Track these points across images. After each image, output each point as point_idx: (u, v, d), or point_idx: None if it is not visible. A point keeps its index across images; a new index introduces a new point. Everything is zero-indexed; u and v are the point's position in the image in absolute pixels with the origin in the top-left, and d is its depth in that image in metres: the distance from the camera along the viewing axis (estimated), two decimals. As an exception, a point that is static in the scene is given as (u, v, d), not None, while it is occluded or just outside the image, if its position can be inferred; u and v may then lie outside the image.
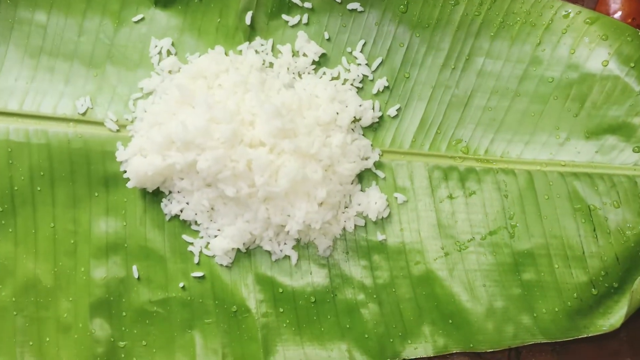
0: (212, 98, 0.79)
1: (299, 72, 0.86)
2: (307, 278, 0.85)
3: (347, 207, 0.84)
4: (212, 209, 0.83)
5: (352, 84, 0.86)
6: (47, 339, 0.82)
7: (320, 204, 0.81)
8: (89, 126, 0.85)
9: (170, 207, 0.84)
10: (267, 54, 0.86)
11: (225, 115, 0.77)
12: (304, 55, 0.86)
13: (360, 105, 0.85)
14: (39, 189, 0.84)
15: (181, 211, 0.84)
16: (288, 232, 0.82)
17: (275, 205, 0.80)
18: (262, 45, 0.86)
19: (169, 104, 0.81)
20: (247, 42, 0.86)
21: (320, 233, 0.83)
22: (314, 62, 0.86)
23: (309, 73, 0.86)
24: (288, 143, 0.78)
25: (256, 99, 0.79)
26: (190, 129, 0.77)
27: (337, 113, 0.83)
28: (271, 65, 0.86)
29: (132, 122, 0.85)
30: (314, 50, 0.85)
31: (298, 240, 0.84)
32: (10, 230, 0.83)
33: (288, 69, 0.86)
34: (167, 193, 0.85)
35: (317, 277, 0.85)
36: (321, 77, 0.86)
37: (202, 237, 0.85)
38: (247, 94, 0.81)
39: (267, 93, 0.82)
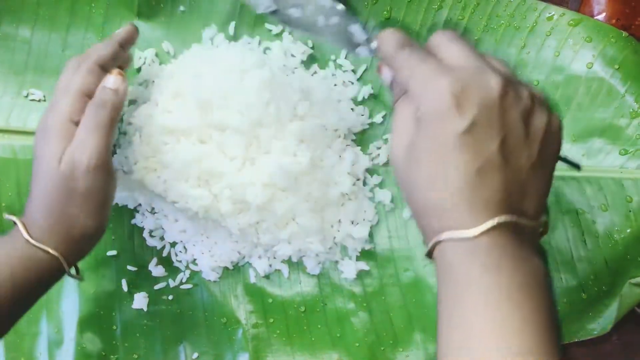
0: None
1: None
2: (296, 288, 0.84)
3: (339, 221, 0.83)
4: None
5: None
6: (38, 355, 0.83)
7: None
8: (75, 140, 0.85)
9: (146, 223, 0.85)
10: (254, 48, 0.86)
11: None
12: (292, 55, 0.85)
13: (352, 109, 0.84)
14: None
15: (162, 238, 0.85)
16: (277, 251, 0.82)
17: (266, 227, 0.80)
18: (249, 43, 0.85)
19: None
20: (233, 41, 0.85)
21: (313, 254, 0.82)
22: (302, 62, 0.86)
23: (296, 68, 0.86)
24: None
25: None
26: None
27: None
28: None
29: (118, 135, 0.85)
30: (301, 50, 0.85)
31: (289, 257, 0.84)
32: (-1, 246, 0.83)
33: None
34: (149, 210, 0.84)
35: (307, 287, 0.84)
36: (313, 75, 0.85)
37: (192, 255, 0.84)
38: None
39: None
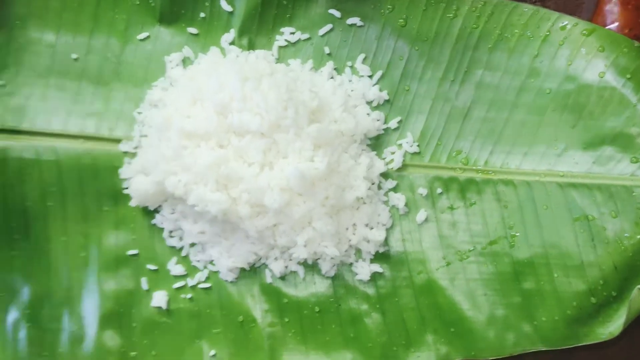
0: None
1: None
2: (311, 288, 0.86)
3: (353, 225, 0.85)
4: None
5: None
6: (60, 350, 0.85)
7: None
8: (97, 143, 0.87)
9: (166, 224, 0.87)
10: (273, 54, 0.88)
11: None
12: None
13: (368, 114, 0.86)
14: (50, 204, 0.86)
15: (181, 238, 0.87)
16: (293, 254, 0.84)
17: (283, 230, 0.82)
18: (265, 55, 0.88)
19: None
20: (252, 50, 0.88)
21: (328, 257, 0.84)
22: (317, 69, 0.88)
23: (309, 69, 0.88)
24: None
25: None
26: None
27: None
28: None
29: (140, 138, 0.87)
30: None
31: (304, 259, 0.86)
32: (23, 244, 0.85)
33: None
34: (170, 212, 0.86)
35: (321, 288, 0.86)
36: (330, 79, 0.87)
37: (210, 255, 0.86)
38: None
39: None
